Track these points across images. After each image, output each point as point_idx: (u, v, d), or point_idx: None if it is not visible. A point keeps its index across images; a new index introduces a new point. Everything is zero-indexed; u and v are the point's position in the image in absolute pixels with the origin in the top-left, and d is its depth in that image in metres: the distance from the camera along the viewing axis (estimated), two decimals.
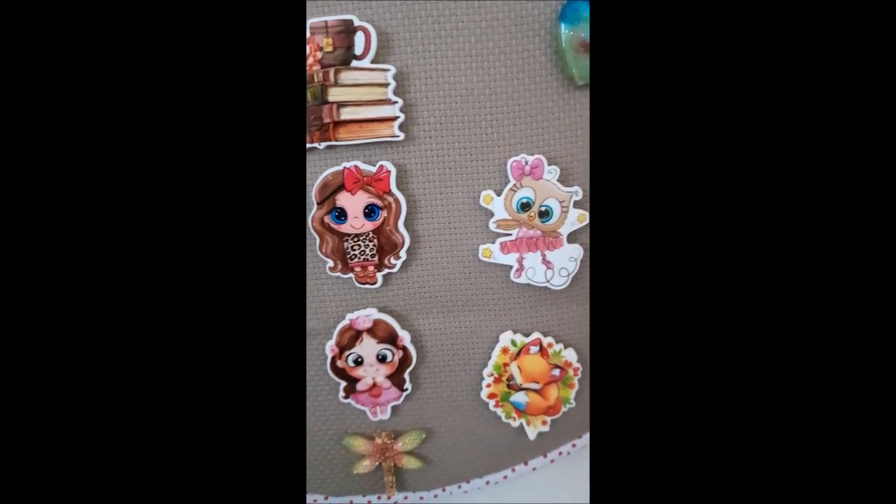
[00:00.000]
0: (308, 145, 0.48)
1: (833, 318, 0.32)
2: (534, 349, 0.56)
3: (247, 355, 0.34)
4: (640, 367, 0.34)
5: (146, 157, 0.33)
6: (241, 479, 0.34)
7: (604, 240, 0.35)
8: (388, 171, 0.49)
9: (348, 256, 0.52)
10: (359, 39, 0.46)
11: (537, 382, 0.57)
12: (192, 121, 0.34)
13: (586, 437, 0.64)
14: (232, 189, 0.34)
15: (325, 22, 0.45)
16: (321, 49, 0.46)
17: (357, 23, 0.45)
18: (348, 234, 0.51)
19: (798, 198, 0.32)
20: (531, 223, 0.51)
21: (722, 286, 0.33)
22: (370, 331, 0.55)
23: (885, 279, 0.32)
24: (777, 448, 0.33)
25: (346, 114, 0.47)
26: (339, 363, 0.56)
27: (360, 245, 0.52)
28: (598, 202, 0.36)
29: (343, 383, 0.57)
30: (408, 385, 0.57)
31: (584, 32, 0.46)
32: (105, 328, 0.33)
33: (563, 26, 0.46)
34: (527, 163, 0.50)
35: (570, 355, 0.57)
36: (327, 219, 0.51)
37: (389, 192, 0.50)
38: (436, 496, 0.64)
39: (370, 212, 0.51)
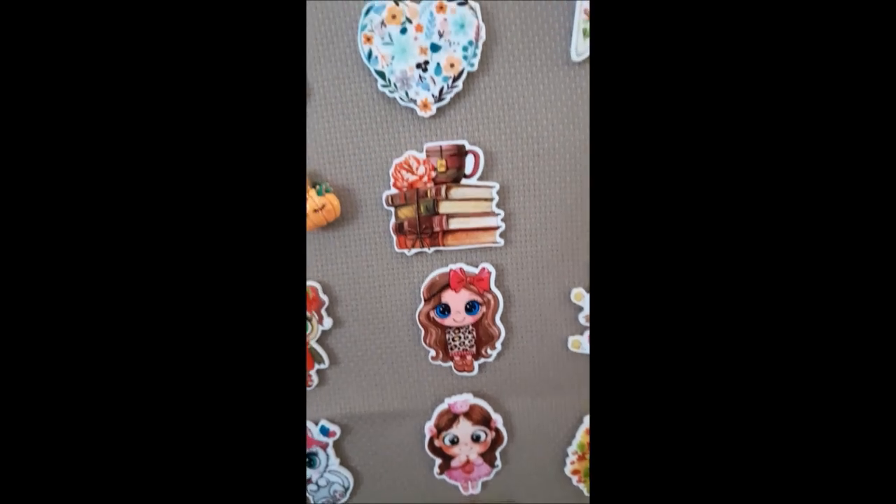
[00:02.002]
0: (417, 249, 0.54)
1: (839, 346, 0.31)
2: None
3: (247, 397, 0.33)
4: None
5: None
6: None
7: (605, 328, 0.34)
8: (490, 273, 0.55)
9: (449, 347, 0.57)
10: (469, 160, 0.52)
11: None
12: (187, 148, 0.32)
13: None
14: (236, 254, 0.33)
15: (440, 147, 0.51)
16: (435, 169, 0.52)
17: (468, 147, 0.51)
18: (450, 327, 0.56)
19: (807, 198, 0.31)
20: None
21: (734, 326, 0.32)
22: (466, 414, 0.59)
23: (881, 278, 0.31)
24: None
25: (455, 224, 0.53)
26: (437, 442, 0.60)
27: (460, 336, 0.57)
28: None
29: (438, 460, 0.62)
30: (498, 462, 0.62)
31: None
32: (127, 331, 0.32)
33: None
34: None
35: None
36: (433, 313, 0.56)
37: (489, 290, 0.55)
38: None
39: (471, 307, 0.56)
